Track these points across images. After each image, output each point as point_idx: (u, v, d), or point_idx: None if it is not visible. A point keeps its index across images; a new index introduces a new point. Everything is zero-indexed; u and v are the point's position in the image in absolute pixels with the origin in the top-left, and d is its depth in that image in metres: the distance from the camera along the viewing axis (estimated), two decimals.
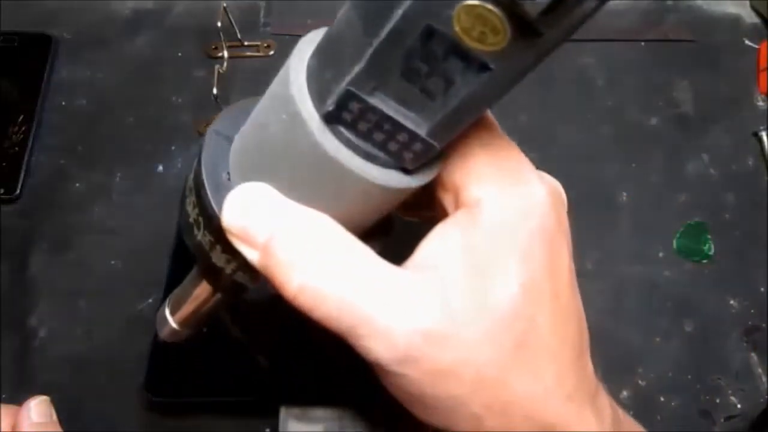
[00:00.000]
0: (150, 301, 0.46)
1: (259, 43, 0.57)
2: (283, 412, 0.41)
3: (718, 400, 0.45)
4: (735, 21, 0.60)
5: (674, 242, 0.50)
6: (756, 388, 0.45)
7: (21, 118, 0.53)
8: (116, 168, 0.52)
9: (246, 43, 0.57)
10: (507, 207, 0.22)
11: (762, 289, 0.48)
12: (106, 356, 0.45)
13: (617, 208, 0.51)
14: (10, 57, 0.56)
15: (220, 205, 0.22)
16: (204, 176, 0.22)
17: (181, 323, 0.30)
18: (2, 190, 0.50)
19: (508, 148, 0.23)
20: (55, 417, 0.35)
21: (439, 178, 0.23)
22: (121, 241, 0.49)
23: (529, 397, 0.22)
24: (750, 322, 0.47)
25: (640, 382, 0.45)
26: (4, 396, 0.43)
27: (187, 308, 0.29)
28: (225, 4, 0.53)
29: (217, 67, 0.50)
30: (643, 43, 0.58)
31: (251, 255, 0.22)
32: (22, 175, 0.50)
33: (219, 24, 0.51)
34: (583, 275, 0.37)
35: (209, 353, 0.42)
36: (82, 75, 0.56)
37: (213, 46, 0.56)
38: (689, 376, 0.45)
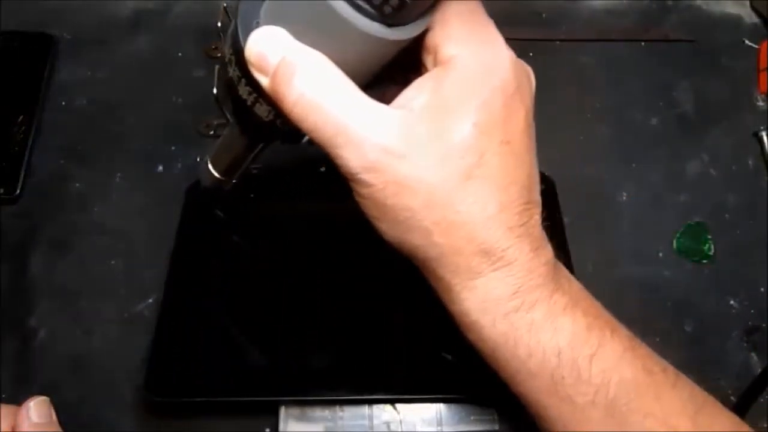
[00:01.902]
0: (150, 301, 0.46)
1: None
2: (283, 412, 0.41)
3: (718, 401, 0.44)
4: (735, 21, 0.60)
5: (674, 242, 0.50)
6: None
7: (21, 118, 0.53)
8: (116, 168, 0.52)
9: None
10: (475, 65, 0.27)
11: (762, 289, 0.48)
12: (106, 356, 0.45)
13: (617, 208, 0.51)
14: (10, 57, 0.56)
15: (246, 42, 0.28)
16: (239, 21, 0.28)
17: (219, 170, 0.37)
18: (2, 190, 0.50)
19: (484, 23, 0.28)
20: (54, 417, 0.35)
21: (423, 41, 0.27)
22: (121, 241, 0.49)
23: (472, 221, 0.27)
24: (750, 322, 0.47)
25: None
26: (4, 396, 0.43)
27: (222, 155, 0.36)
28: (225, 4, 0.53)
29: (217, 67, 0.50)
30: (643, 43, 0.58)
31: (264, 81, 0.27)
32: (22, 175, 0.50)
33: (219, 24, 0.51)
34: (583, 276, 0.37)
35: (209, 353, 0.42)
36: (82, 75, 0.56)
37: (213, 46, 0.56)
38: (689, 376, 0.45)
